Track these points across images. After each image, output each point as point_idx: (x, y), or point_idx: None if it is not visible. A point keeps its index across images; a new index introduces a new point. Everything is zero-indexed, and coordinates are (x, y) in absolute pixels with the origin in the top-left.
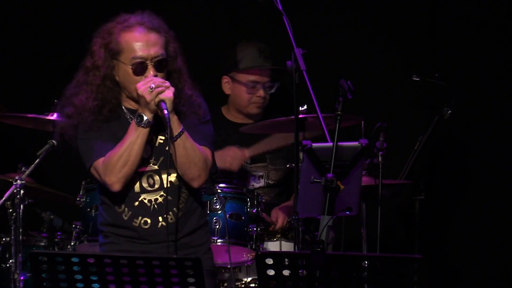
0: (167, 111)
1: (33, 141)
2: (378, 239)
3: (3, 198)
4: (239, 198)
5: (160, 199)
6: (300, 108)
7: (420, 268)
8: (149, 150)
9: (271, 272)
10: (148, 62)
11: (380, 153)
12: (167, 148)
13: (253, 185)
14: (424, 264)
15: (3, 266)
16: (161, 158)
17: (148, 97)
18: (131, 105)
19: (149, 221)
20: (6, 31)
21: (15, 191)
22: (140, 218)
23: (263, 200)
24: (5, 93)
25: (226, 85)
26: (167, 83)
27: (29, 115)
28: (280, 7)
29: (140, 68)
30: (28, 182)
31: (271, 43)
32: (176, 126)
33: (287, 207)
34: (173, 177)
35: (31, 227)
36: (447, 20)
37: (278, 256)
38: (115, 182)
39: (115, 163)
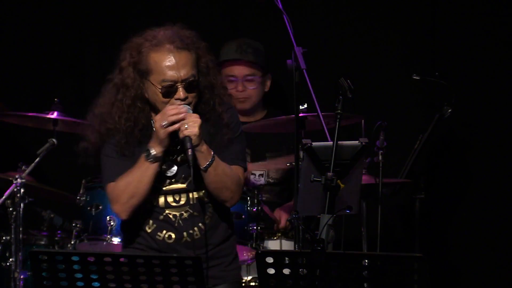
0: (192, 150)
1: (33, 140)
2: (378, 238)
3: (4, 197)
4: None
5: (185, 215)
6: (300, 107)
7: (420, 267)
8: (176, 170)
9: (271, 271)
10: (178, 84)
11: (380, 152)
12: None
13: (253, 184)
14: (424, 262)
15: (4, 264)
16: (190, 178)
17: (161, 134)
18: None
19: (173, 235)
20: (7, 30)
21: (15, 189)
22: (164, 232)
23: (264, 199)
24: (5, 91)
25: None
26: (194, 117)
27: (30, 114)
28: (280, 6)
29: (169, 91)
30: (28, 181)
31: (271, 42)
32: (206, 155)
33: (290, 207)
34: (201, 193)
35: (31, 225)
36: (447, 19)
37: (278, 254)
38: (121, 211)
39: (121, 194)
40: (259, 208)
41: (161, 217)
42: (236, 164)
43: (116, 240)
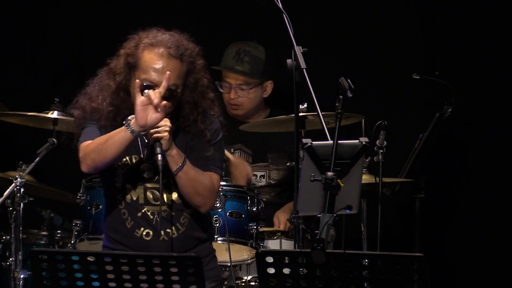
0: (161, 154)
1: (33, 139)
2: (378, 237)
3: (3, 196)
4: (239, 196)
5: (163, 214)
6: (300, 107)
7: (421, 267)
8: (152, 170)
9: (271, 270)
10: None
11: (380, 151)
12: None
13: (254, 184)
14: (424, 262)
15: (3, 264)
16: (164, 180)
17: (137, 128)
18: None
19: (151, 233)
20: (7, 30)
21: (15, 189)
22: (142, 229)
23: (264, 199)
24: (5, 91)
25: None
26: (165, 121)
27: (30, 113)
28: (280, 6)
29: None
30: (28, 180)
31: (271, 41)
32: (176, 159)
33: (289, 210)
34: (174, 196)
35: (31, 225)
36: (447, 18)
37: (278, 254)
38: (81, 161)
39: (89, 145)
40: (259, 207)
41: (139, 214)
42: (211, 170)
43: None
